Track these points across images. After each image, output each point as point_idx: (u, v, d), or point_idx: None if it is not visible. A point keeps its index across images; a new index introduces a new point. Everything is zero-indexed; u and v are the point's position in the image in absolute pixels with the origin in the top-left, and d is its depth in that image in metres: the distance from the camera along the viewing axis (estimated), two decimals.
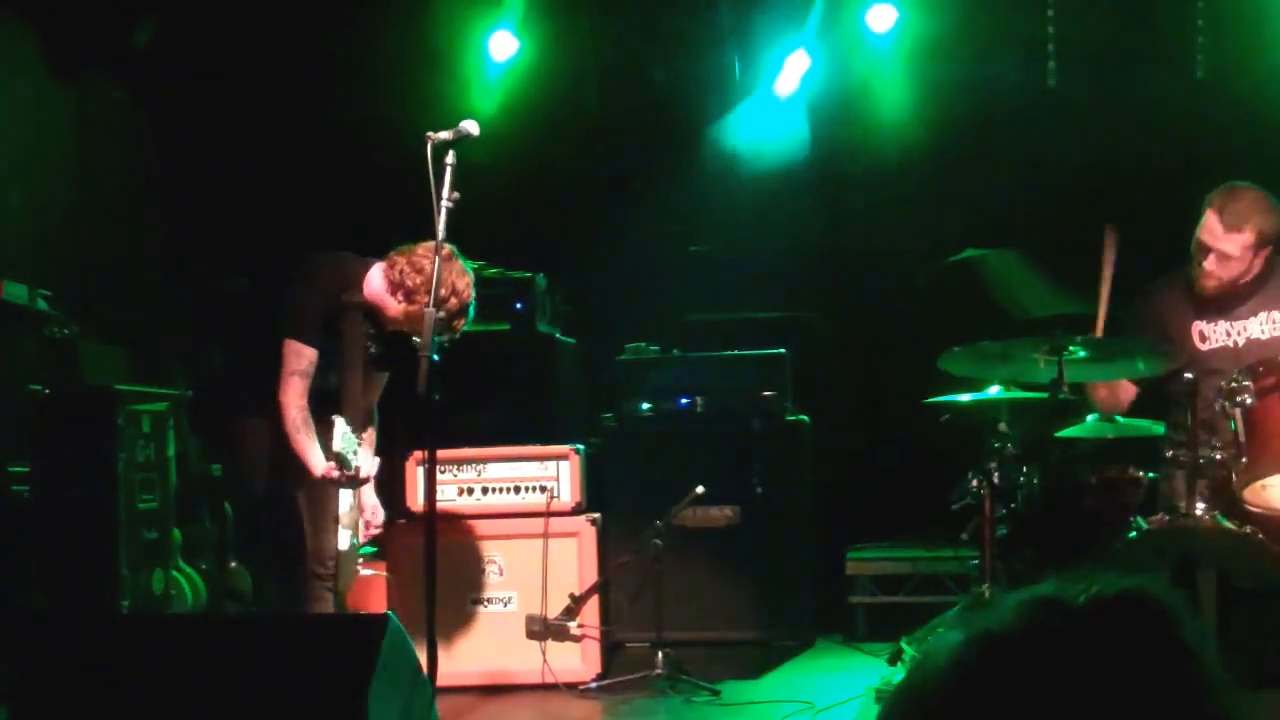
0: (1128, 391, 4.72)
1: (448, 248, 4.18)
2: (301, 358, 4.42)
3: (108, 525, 5.21)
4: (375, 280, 4.48)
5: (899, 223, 6.91)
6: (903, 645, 5.26)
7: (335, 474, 4.34)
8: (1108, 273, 4.70)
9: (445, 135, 4.02)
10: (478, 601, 5.51)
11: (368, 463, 4.58)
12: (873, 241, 7.00)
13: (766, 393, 5.89)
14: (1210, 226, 4.53)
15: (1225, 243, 4.50)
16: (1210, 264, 4.53)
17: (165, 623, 4.61)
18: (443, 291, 4.20)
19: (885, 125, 6.95)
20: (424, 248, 4.34)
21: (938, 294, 6.66)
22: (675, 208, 7.21)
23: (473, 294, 4.42)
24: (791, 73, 7.00)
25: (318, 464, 4.37)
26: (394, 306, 4.44)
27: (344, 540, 4.51)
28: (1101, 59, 6.78)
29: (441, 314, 4.16)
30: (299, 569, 4.54)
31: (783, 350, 5.99)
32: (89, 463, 5.22)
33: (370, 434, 4.73)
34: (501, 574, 5.39)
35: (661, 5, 7.09)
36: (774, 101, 7.11)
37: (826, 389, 6.54)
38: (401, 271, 4.38)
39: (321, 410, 4.46)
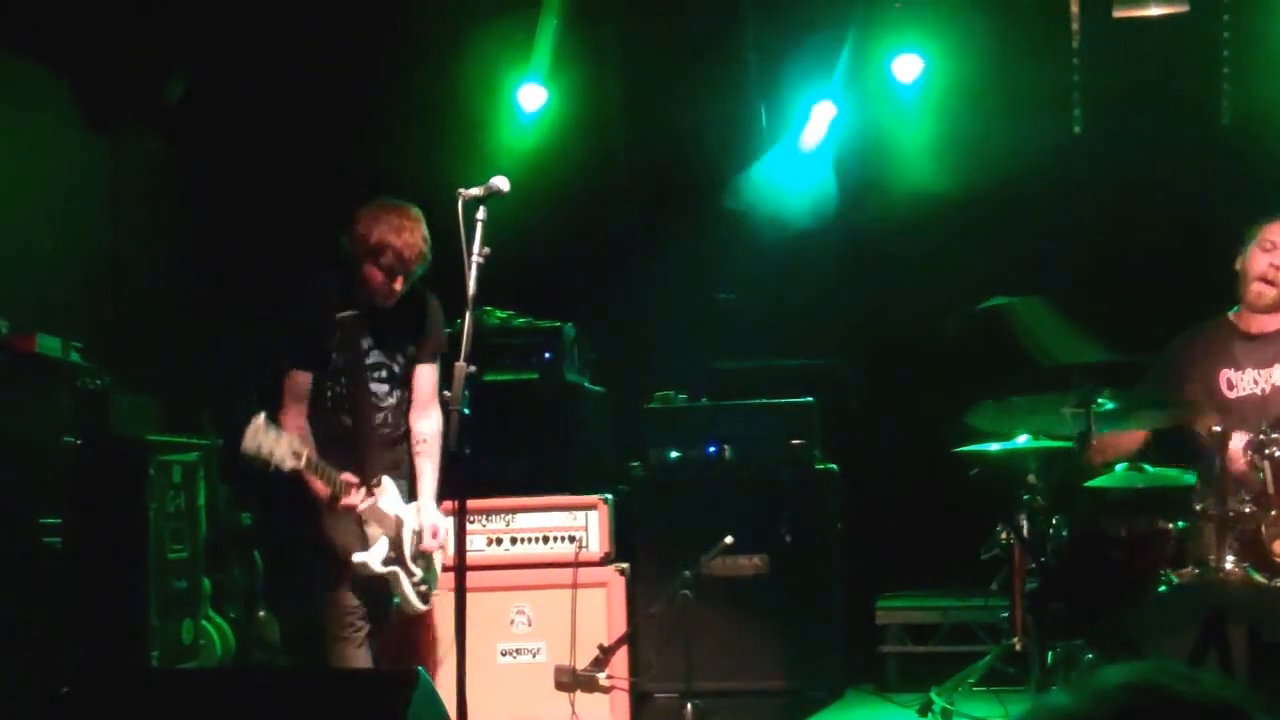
0: (1134, 439, 4.73)
1: (404, 206, 4.53)
2: (294, 382, 4.55)
3: (138, 576, 5.25)
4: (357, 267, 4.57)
5: (927, 270, 6.92)
6: (933, 696, 5.24)
7: (351, 498, 4.40)
8: None
9: (476, 191, 4.05)
10: (506, 653, 5.51)
11: (406, 511, 4.62)
12: (900, 289, 7.01)
13: (795, 441, 5.89)
14: (1277, 229, 4.61)
15: None
16: (1279, 260, 4.59)
17: (194, 679, 4.63)
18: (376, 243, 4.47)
19: (912, 173, 6.97)
20: (372, 207, 4.59)
21: (966, 341, 6.66)
22: (703, 256, 7.23)
23: (411, 241, 4.52)
24: (818, 123, 7.04)
25: (321, 488, 4.43)
26: (375, 276, 4.52)
27: (375, 560, 4.52)
28: (1127, 106, 6.79)
29: (384, 263, 4.44)
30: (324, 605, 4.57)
31: (811, 399, 6.00)
32: (120, 513, 5.26)
33: (430, 439, 4.73)
34: (530, 625, 5.39)
35: (688, 55, 7.14)
36: (801, 150, 7.15)
37: (855, 437, 6.53)
38: (357, 235, 4.52)
39: (350, 434, 4.55)
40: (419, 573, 4.71)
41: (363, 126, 6.87)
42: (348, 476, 4.48)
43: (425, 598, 4.75)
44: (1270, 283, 4.66)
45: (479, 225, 4.01)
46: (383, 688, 3.86)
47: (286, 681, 4.27)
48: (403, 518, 4.64)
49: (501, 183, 4.06)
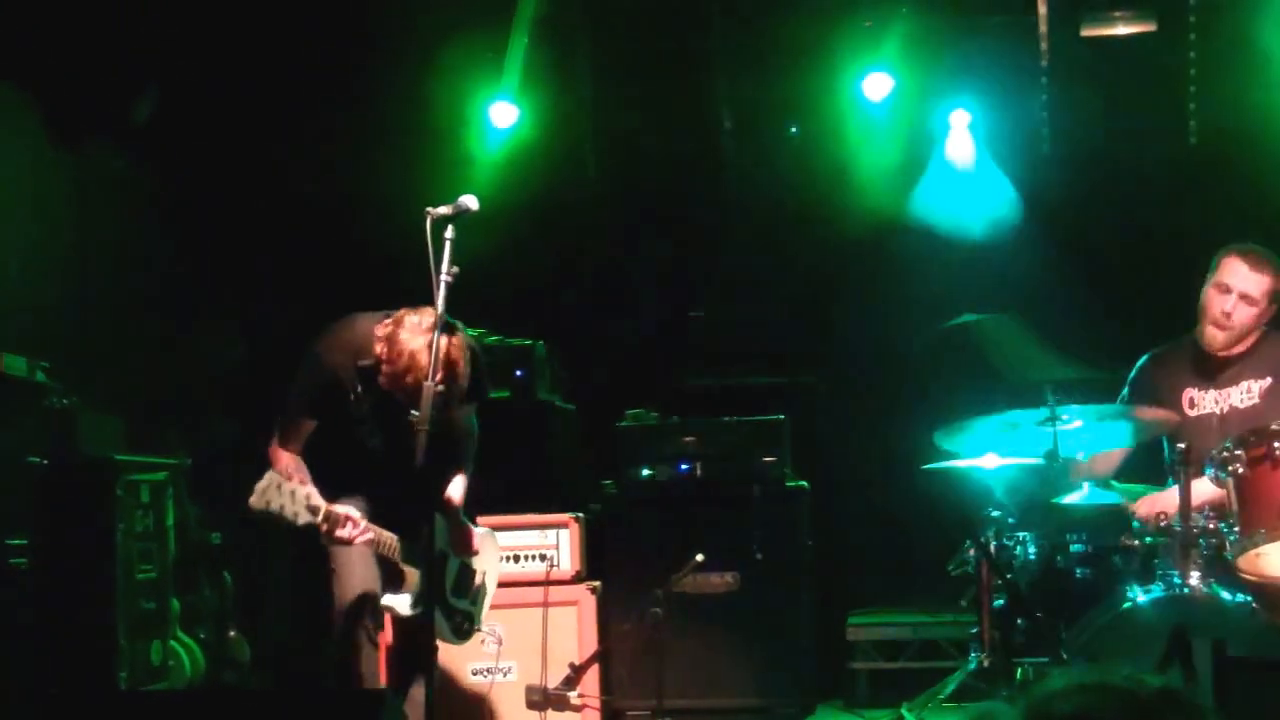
0: (1109, 459, 4.77)
1: (432, 317, 4.04)
2: (298, 426, 4.42)
3: (106, 596, 5.21)
4: (377, 348, 4.42)
5: (896, 288, 6.96)
6: (903, 712, 5.25)
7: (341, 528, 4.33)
8: None
9: (445, 210, 4.03)
10: (477, 672, 5.49)
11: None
12: (870, 306, 7.03)
13: (766, 458, 5.91)
14: (1234, 268, 4.67)
15: (1249, 283, 4.65)
16: (1231, 305, 4.64)
17: (163, 700, 4.59)
18: (398, 355, 4.14)
19: (882, 191, 7.01)
20: (410, 322, 4.20)
21: (935, 358, 6.69)
22: (674, 273, 7.25)
23: (427, 362, 4.02)
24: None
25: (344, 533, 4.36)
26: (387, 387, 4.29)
27: (404, 604, 4.42)
28: (1095, 125, 6.84)
29: (409, 380, 4.09)
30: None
31: (782, 416, 6.01)
32: (87, 533, 5.23)
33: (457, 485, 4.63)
34: (501, 644, 5.37)
35: (658, 73, 7.17)
36: (773, 168, 7.18)
37: (826, 454, 6.55)
38: (384, 345, 4.25)
39: (361, 475, 4.44)
40: (463, 607, 4.66)
41: (332, 144, 6.86)
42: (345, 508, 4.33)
43: (466, 633, 4.70)
44: (1220, 326, 4.68)
45: (447, 244, 4.00)
46: (351, 708, 3.85)
47: (254, 702, 4.25)
48: (447, 553, 4.57)
49: (470, 201, 4.04)
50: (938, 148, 7.02)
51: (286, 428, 4.43)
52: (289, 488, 4.18)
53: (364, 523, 4.34)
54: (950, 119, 6.94)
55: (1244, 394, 4.70)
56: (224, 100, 6.76)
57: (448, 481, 4.64)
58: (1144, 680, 1.29)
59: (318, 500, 4.24)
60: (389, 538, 4.43)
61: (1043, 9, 6.71)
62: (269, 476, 4.19)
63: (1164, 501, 4.23)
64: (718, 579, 5.69)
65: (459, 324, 4.25)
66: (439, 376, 3.99)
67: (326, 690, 4.54)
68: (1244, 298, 4.64)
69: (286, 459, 4.41)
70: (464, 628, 4.70)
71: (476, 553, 4.77)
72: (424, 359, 4.04)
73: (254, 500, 4.17)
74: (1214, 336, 4.70)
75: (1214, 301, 4.68)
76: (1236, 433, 4.25)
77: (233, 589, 6.23)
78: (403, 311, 4.25)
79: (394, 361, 4.16)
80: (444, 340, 4.03)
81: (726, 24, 7.02)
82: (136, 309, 6.71)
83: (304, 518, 4.21)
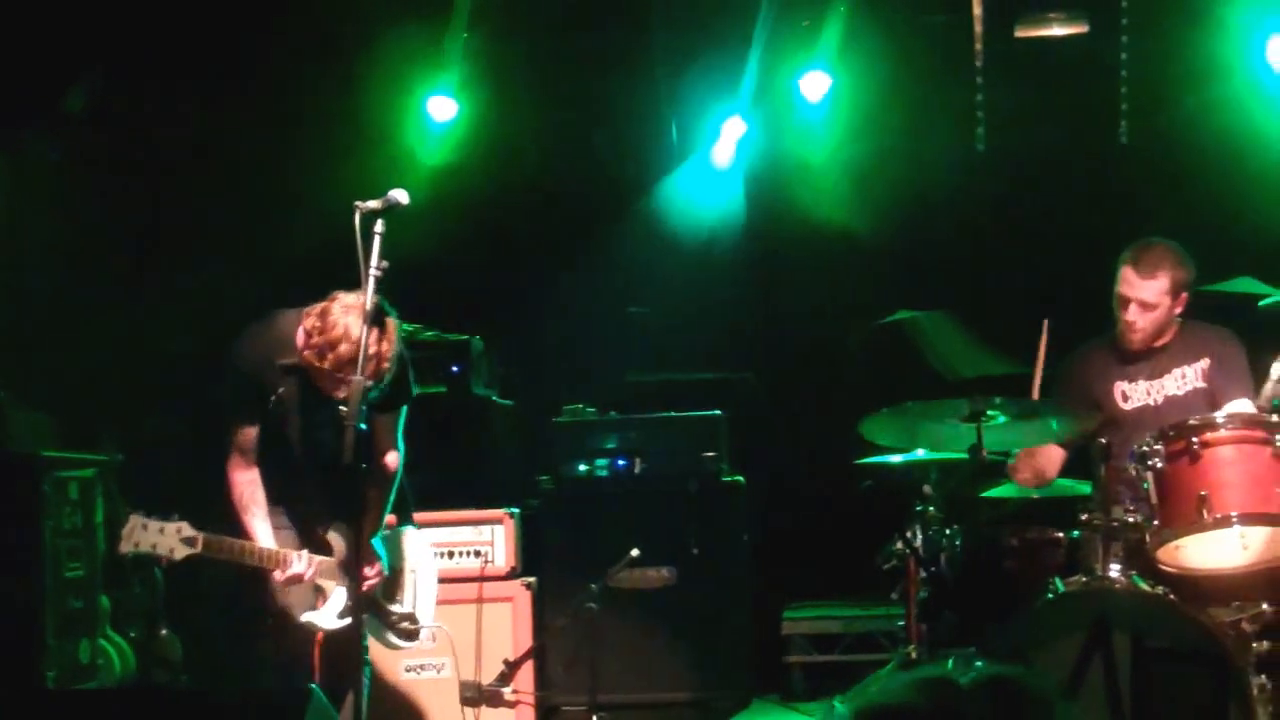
0: (1053, 464, 4.82)
1: (362, 300, 3.95)
2: (241, 435, 4.34)
3: (34, 594, 5.16)
4: (300, 338, 4.28)
5: (834, 285, 7.00)
6: (835, 704, 5.28)
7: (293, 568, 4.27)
8: (1040, 363, 4.84)
9: (374, 204, 3.99)
10: (411, 668, 5.48)
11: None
12: (808, 303, 7.07)
13: (704, 454, 5.93)
14: (1127, 278, 4.72)
15: (1143, 290, 4.69)
16: (1132, 314, 4.69)
17: (92, 699, 4.55)
18: (331, 340, 4.07)
19: (820, 189, 7.05)
20: (346, 300, 4.12)
21: (870, 355, 6.74)
22: (613, 270, 7.26)
23: (360, 336, 3.94)
24: (728, 139, 7.10)
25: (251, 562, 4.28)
26: (313, 364, 4.18)
27: (326, 618, 4.33)
28: (1029, 124, 6.92)
29: (344, 350, 4.03)
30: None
31: (719, 412, 6.04)
32: (14, 531, 5.17)
33: (377, 496, 4.49)
34: (434, 640, 5.37)
35: (598, 70, 7.17)
36: (712, 166, 7.21)
37: (763, 450, 6.58)
38: (316, 319, 4.17)
39: (284, 478, 4.38)
40: (401, 609, 4.60)
41: (267, 135, 6.79)
42: (282, 550, 4.28)
43: (412, 635, 4.64)
44: (1132, 332, 4.75)
45: (377, 238, 3.98)
46: (277, 705, 3.84)
47: (184, 701, 4.23)
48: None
49: (400, 195, 4.02)
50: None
51: (231, 441, 4.36)
52: (156, 525, 4.11)
53: (312, 565, 4.29)
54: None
55: (1179, 380, 4.75)
56: (161, 90, 6.69)
57: (370, 499, 4.47)
58: (982, 671, 1.34)
59: (191, 531, 4.15)
60: (328, 564, 4.38)
61: (978, 9, 6.77)
62: (132, 519, 4.13)
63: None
64: (654, 574, 5.70)
65: (393, 311, 4.19)
66: (369, 370, 3.96)
67: (257, 689, 4.51)
68: (1141, 305, 4.69)
69: (240, 487, 4.33)
70: (408, 630, 4.64)
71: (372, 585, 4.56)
72: (357, 331, 3.98)
73: (123, 546, 4.12)
74: (1128, 340, 4.78)
75: (1119, 309, 4.75)
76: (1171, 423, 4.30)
77: (164, 586, 6.17)
78: (336, 293, 4.19)
79: (327, 332, 4.09)
80: (374, 332, 3.99)
81: (665, 21, 7.03)
82: (67, 304, 6.63)
83: (181, 552, 4.13)
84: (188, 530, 4.14)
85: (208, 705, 4.02)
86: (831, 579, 6.69)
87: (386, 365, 4.13)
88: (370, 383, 3.97)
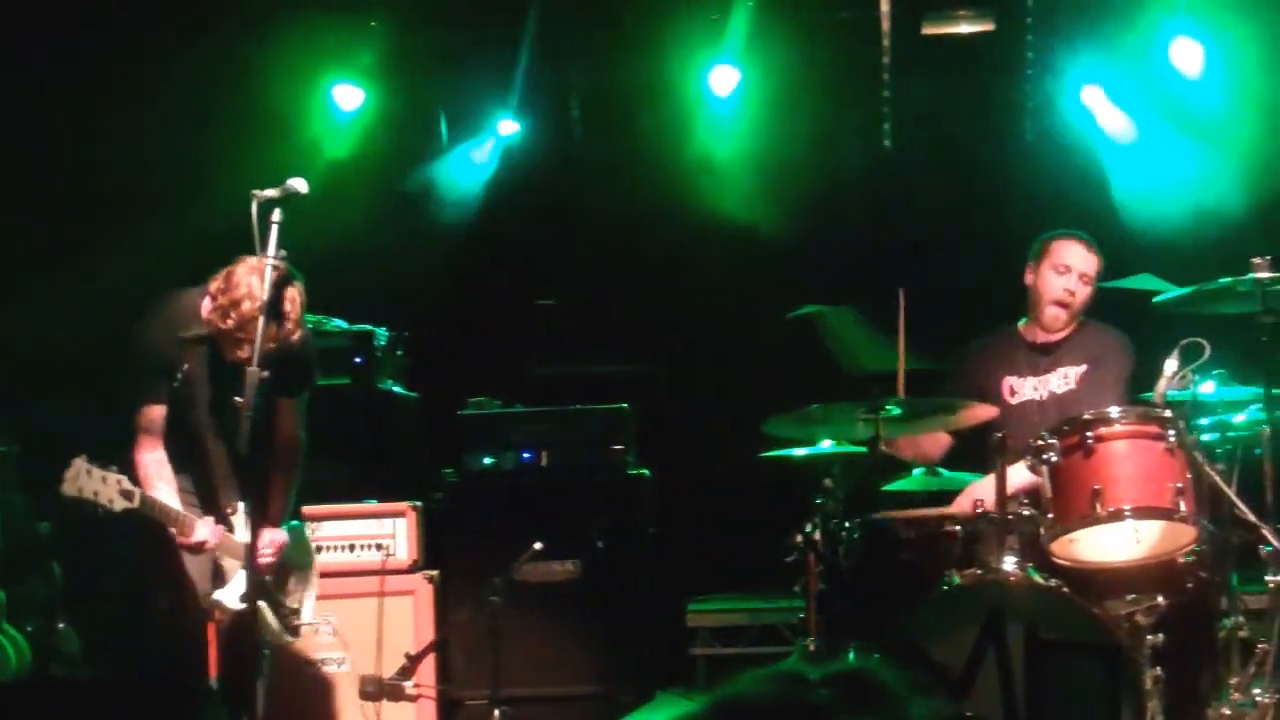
0: (937, 444, 4.90)
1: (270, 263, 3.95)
2: (147, 417, 4.32)
3: None
4: (205, 306, 4.25)
5: (742, 279, 7.03)
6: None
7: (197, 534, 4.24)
8: (902, 333, 4.95)
9: (272, 193, 3.96)
10: (311, 663, 5.41)
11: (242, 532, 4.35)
12: (715, 297, 7.09)
13: (610, 447, 5.92)
14: (1070, 249, 4.89)
15: (1088, 264, 4.88)
16: (1073, 284, 4.84)
17: None
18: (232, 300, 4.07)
19: (730, 183, 7.07)
20: (250, 262, 4.08)
21: (779, 349, 6.77)
22: (521, 261, 7.23)
23: (262, 295, 3.96)
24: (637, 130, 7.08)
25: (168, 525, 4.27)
26: (217, 325, 4.14)
27: (230, 597, 4.32)
28: (935, 121, 6.99)
29: (247, 309, 4.01)
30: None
31: (625, 405, 6.03)
32: None
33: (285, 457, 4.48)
34: (334, 634, 5.31)
35: (508, 59, 7.12)
36: (623, 158, 7.21)
37: (669, 443, 6.59)
38: (220, 282, 4.15)
39: (190, 454, 4.37)
40: (291, 603, 4.57)
41: (160, 118, 6.64)
42: (188, 514, 4.28)
43: (295, 630, 4.60)
44: (1064, 305, 4.86)
45: (274, 228, 3.94)
46: (176, 701, 3.81)
47: (80, 694, 4.17)
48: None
49: (299, 184, 3.98)
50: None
51: (138, 422, 4.33)
52: (99, 473, 4.09)
53: (216, 535, 4.28)
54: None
55: (1062, 380, 4.88)
56: (51, 73, 6.53)
57: (270, 486, 4.44)
58: (839, 665, 1.39)
59: (130, 485, 4.15)
60: (232, 541, 4.35)
61: (885, 6, 6.82)
62: (76, 463, 4.10)
63: (981, 490, 4.35)
64: (559, 567, 5.70)
65: (299, 275, 4.15)
66: (272, 331, 3.94)
67: (153, 683, 4.45)
68: (1083, 277, 4.86)
69: (146, 467, 4.29)
70: (294, 625, 4.61)
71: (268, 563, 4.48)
72: (260, 290, 3.96)
73: (65, 487, 4.09)
74: (1056, 317, 4.89)
75: (1053, 283, 4.86)
76: (1055, 420, 4.39)
77: (61, 580, 6.05)
78: (242, 257, 4.14)
79: (230, 291, 4.07)
80: (284, 291, 4.02)
81: (574, 12, 7.01)
82: None
83: (119, 504, 4.11)
84: (127, 484, 4.14)
85: (105, 697, 3.97)
86: (736, 572, 6.72)
87: (292, 326, 4.08)
88: (266, 374, 3.92)
